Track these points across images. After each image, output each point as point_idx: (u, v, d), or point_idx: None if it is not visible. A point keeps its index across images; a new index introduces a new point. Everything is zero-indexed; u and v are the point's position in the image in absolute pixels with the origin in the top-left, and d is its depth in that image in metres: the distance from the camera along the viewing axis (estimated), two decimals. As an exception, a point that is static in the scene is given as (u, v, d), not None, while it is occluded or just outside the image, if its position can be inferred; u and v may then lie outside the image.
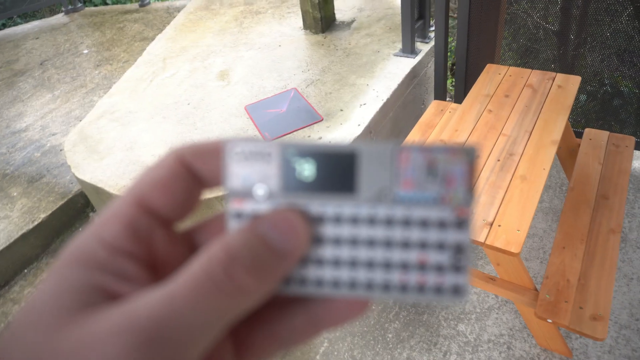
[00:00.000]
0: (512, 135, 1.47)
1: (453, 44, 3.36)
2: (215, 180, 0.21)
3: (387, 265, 0.20)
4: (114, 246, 0.19)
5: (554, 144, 1.40)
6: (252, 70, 2.53)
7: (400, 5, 2.21)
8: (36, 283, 2.16)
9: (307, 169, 0.20)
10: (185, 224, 0.23)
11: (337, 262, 0.20)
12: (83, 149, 2.14)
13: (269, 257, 0.18)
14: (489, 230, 1.15)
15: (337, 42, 2.61)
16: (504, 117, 1.56)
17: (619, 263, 1.67)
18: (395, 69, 2.28)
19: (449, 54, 2.35)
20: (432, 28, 2.54)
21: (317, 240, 0.20)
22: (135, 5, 4.46)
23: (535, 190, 1.23)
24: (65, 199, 2.25)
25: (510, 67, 1.84)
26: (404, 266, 0.20)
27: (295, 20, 2.91)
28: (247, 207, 0.20)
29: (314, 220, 0.20)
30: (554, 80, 1.71)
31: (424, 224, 0.19)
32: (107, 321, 0.16)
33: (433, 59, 2.43)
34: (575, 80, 1.69)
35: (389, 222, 0.20)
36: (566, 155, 1.86)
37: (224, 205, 0.21)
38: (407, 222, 0.20)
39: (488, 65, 1.87)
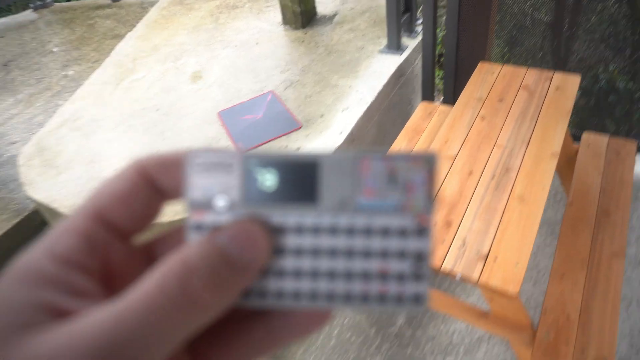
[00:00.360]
0: (507, 146, 1.32)
1: (442, 34, 3.20)
2: (177, 192, 0.21)
3: (349, 275, 0.20)
4: (66, 260, 0.18)
5: (554, 157, 1.25)
6: (228, 70, 2.35)
7: (385, -3, 2.04)
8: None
9: (268, 179, 0.20)
10: (143, 237, 0.22)
11: (298, 273, 0.20)
12: (39, 163, 1.95)
13: (227, 270, 0.18)
14: (484, 266, 1.00)
15: (319, 39, 2.43)
16: (499, 125, 1.41)
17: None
18: (380, 68, 2.11)
19: (437, 46, 2.19)
20: (420, 21, 2.37)
21: (278, 251, 0.20)
22: (107, 0, 4.22)
23: (535, 215, 1.08)
24: (21, 217, 2.07)
25: (504, 65, 1.68)
26: (366, 276, 0.20)
27: (274, 15, 2.72)
28: (208, 218, 0.20)
29: (275, 231, 0.20)
30: (551, 81, 1.56)
31: (385, 232, 0.20)
32: (51, 342, 0.15)
33: (420, 56, 2.26)
34: (574, 81, 1.54)
35: (351, 231, 0.20)
36: (563, 164, 1.72)
37: (184, 217, 0.20)
38: (368, 231, 0.20)
39: (480, 64, 1.71)
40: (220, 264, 0.18)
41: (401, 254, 0.19)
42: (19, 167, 1.97)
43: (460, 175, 1.24)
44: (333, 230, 0.20)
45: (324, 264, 0.20)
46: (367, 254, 0.20)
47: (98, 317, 0.16)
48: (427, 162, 0.19)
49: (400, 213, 0.19)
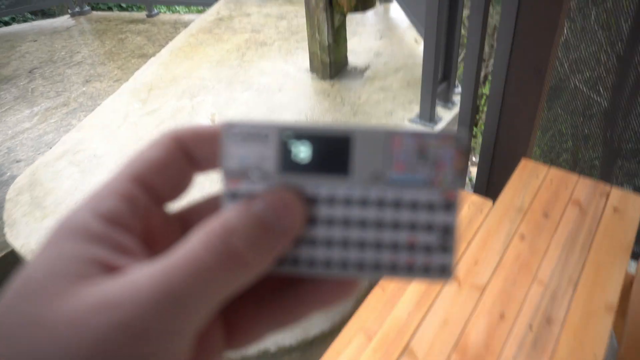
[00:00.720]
0: (550, 284, 1.09)
1: (480, 117, 2.98)
2: (209, 163, 0.22)
3: (378, 246, 0.21)
4: (110, 219, 0.19)
5: (609, 312, 1.01)
6: (244, 118, 2.18)
7: (422, 56, 1.84)
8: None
9: (302, 151, 0.20)
10: (176, 206, 0.23)
11: (329, 243, 0.21)
12: (27, 200, 1.80)
13: (264, 234, 0.19)
14: None
15: (346, 94, 2.25)
16: (541, 250, 1.18)
17: None
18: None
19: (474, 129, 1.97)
20: (458, 90, 2.16)
21: (311, 220, 0.21)
22: (143, 15, 4.17)
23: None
24: (4, 252, 1.91)
25: (551, 168, 1.45)
26: (394, 246, 0.21)
27: (303, 58, 2.56)
28: (243, 187, 0.21)
29: (308, 201, 0.21)
30: (608, 198, 1.32)
31: (414, 205, 0.20)
32: (106, 292, 0.16)
33: (455, 127, 2.04)
34: (636, 203, 1.29)
35: (381, 203, 0.20)
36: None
37: (220, 185, 0.21)
38: (397, 204, 0.20)
39: (523, 162, 1.48)
40: (258, 228, 0.19)
41: (429, 227, 0.20)
42: (6, 200, 1.82)
43: (489, 318, 1.02)
44: (364, 202, 0.21)
45: (355, 234, 0.21)
46: (396, 225, 0.21)
47: (148, 272, 0.17)
48: (457, 141, 0.20)
49: (429, 188, 0.20)
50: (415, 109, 2.08)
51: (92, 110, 2.81)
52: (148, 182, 0.20)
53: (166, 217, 0.22)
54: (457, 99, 2.14)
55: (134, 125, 2.19)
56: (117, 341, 0.15)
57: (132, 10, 4.49)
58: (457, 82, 2.13)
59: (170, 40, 3.67)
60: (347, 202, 0.20)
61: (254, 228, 0.18)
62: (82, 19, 4.33)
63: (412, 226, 0.20)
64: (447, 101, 2.10)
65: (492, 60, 1.76)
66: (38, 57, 3.64)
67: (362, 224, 0.20)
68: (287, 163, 0.20)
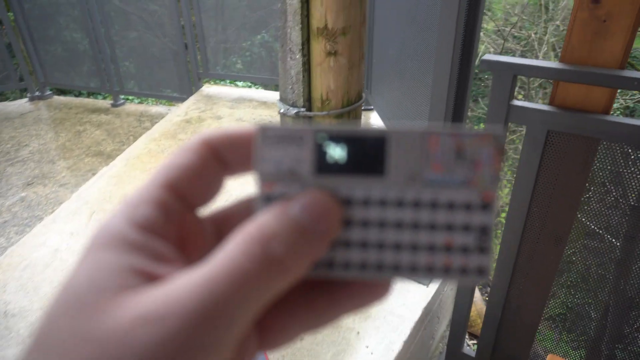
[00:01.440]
0: None
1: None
2: (241, 167, 0.22)
3: (414, 248, 0.20)
4: (146, 227, 0.19)
5: None
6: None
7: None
8: None
9: (338, 153, 0.20)
10: (208, 210, 0.23)
11: (364, 245, 0.21)
12: None
13: (301, 238, 0.19)
14: None
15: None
16: None
17: None
18: (401, 307, 1.56)
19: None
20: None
21: (346, 222, 0.21)
22: (108, 103, 3.88)
23: None
24: None
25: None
26: (431, 248, 0.20)
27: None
28: (278, 190, 0.21)
29: (343, 203, 0.21)
30: None
31: (451, 206, 0.20)
32: (149, 305, 0.16)
33: (454, 285, 1.72)
34: None
35: (417, 204, 0.20)
36: None
37: (254, 188, 0.21)
38: (434, 205, 0.20)
39: (550, 358, 1.14)
40: (296, 232, 0.19)
41: (466, 228, 0.20)
42: None
43: None
44: (400, 203, 0.20)
45: (390, 236, 0.21)
46: (432, 226, 0.20)
47: (189, 282, 0.17)
48: (495, 139, 0.20)
49: (467, 188, 0.20)
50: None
51: (26, 224, 2.39)
52: (180, 188, 0.21)
53: (199, 221, 0.22)
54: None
55: (60, 265, 1.78)
56: (163, 355, 0.16)
57: (98, 96, 4.22)
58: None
59: (132, 135, 3.35)
60: (383, 203, 0.21)
61: (292, 232, 0.19)
62: (41, 104, 4.01)
63: (449, 227, 0.20)
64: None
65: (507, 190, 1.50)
66: (-21, 150, 3.25)
67: (398, 225, 0.21)
68: (322, 165, 0.21)
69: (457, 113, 1.42)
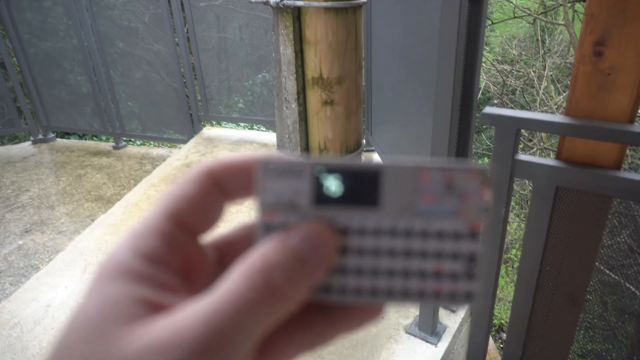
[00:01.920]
0: None
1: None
2: (241, 194, 0.23)
3: (406, 274, 0.22)
4: (151, 257, 0.20)
5: None
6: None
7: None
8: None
9: (334, 185, 0.22)
10: (209, 236, 0.24)
11: (360, 271, 0.22)
12: None
13: (300, 267, 0.20)
14: None
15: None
16: None
17: None
18: (406, 367, 1.46)
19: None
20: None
21: (342, 250, 0.22)
22: (109, 146, 3.89)
23: None
24: None
25: None
26: (422, 274, 0.22)
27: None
28: (277, 219, 0.22)
29: (340, 232, 0.22)
30: None
31: (441, 235, 0.22)
32: (156, 335, 0.17)
33: (464, 342, 1.62)
34: None
35: (409, 233, 0.22)
36: None
37: (255, 217, 0.23)
38: (425, 234, 0.22)
39: None
40: (295, 261, 0.20)
41: (455, 256, 0.22)
42: None
43: None
44: (393, 233, 0.22)
45: (384, 263, 0.22)
46: (423, 254, 0.22)
47: (195, 311, 0.18)
48: (482, 174, 0.21)
49: (455, 218, 0.21)
50: (412, 309, 1.67)
51: (21, 275, 2.32)
52: (183, 217, 0.21)
53: (201, 249, 0.23)
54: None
55: (53, 326, 1.70)
56: None
57: (101, 139, 4.23)
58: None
59: (133, 179, 3.33)
60: (377, 232, 0.22)
61: (291, 262, 0.20)
62: (44, 147, 4.02)
63: (439, 255, 0.22)
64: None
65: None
66: (-21, 196, 3.23)
67: (391, 253, 0.22)
68: (320, 197, 0.22)
69: (460, 151, 1.37)
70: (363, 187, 0.22)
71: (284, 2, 1.43)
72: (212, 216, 0.23)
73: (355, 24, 1.49)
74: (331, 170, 0.22)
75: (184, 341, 0.17)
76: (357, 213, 0.22)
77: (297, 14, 1.40)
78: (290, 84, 1.52)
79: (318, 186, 0.22)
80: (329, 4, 1.40)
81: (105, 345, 0.18)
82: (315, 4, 1.40)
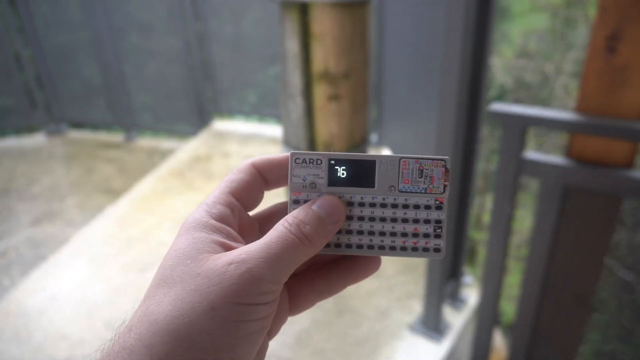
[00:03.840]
0: None
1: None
2: (276, 183, 0.32)
3: (393, 234, 0.31)
4: (220, 218, 0.30)
5: None
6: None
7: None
8: None
9: (343, 171, 0.31)
10: (253, 212, 0.34)
11: (360, 232, 0.31)
12: None
13: (321, 225, 0.29)
14: None
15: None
16: None
17: None
18: (408, 366, 1.44)
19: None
20: (467, 280, 1.75)
21: (348, 217, 0.31)
22: (120, 138, 3.92)
23: None
24: None
25: None
26: (404, 234, 0.31)
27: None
28: (303, 196, 0.31)
29: (347, 204, 0.31)
30: None
31: (417, 206, 0.31)
32: (232, 256, 0.27)
33: (470, 340, 1.59)
34: None
35: (394, 206, 0.31)
36: None
37: (287, 195, 0.32)
38: (406, 206, 0.31)
39: None
40: (318, 220, 0.29)
41: (427, 221, 0.31)
42: None
43: None
44: (383, 205, 0.31)
45: (377, 226, 0.31)
46: (405, 220, 0.31)
47: (257, 245, 0.27)
48: (444, 162, 0.30)
49: (426, 194, 0.31)
50: (416, 307, 1.65)
51: (30, 264, 2.35)
52: (239, 195, 0.31)
53: (250, 218, 0.33)
54: (466, 294, 1.72)
55: (58, 317, 1.72)
56: (246, 280, 0.26)
57: (112, 130, 4.26)
58: (467, 274, 1.73)
59: (143, 172, 3.35)
60: (373, 205, 0.31)
61: (315, 221, 0.29)
62: (56, 138, 4.07)
63: (416, 220, 0.31)
64: (455, 299, 1.68)
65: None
66: (-9, 186, 3.28)
67: (383, 219, 0.31)
68: (333, 179, 0.31)
69: (467, 150, 1.34)
70: (363, 172, 0.31)
71: (291, -5, 1.41)
72: (256, 197, 0.32)
73: (362, 18, 1.47)
74: (341, 160, 0.31)
75: (252, 257, 0.26)
76: (358, 191, 0.31)
77: (303, 8, 1.38)
78: (295, 79, 1.50)
79: (332, 171, 0.31)
80: (336, -3, 1.38)
81: (198, 263, 0.26)
82: (322, -3, 1.38)
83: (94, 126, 4.32)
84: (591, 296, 1.21)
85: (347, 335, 1.56)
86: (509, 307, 4.35)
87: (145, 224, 2.26)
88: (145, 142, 3.88)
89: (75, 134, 4.14)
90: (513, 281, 4.58)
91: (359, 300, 1.71)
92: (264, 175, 0.32)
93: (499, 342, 2.41)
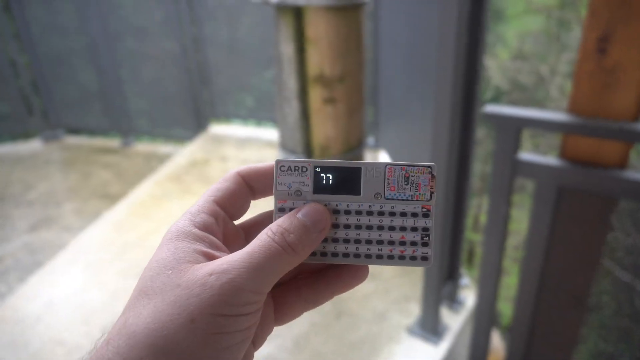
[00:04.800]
0: None
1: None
2: (263, 192, 0.32)
3: (380, 242, 0.31)
4: (204, 227, 0.29)
5: None
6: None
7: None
8: None
9: (329, 178, 0.30)
10: (238, 221, 0.33)
11: (347, 240, 0.31)
12: None
13: (306, 233, 0.29)
14: None
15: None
16: None
17: None
18: (406, 368, 1.44)
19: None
20: (464, 281, 1.76)
21: (334, 225, 0.31)
22: (117, 143, 3.91)
23: None
24: None
25: None
26: (391, 242, 0.31)
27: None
28: (288, 203, 0.31)
29: (333, 212, 0.31)
30: None
31: (403, 214, 0.30)
32: (214, 266, 0.26)
33: (468, 341, 1.59)
34: None
35: (381, 213, 0.31)
36: None
37: (273, 203, 0.32)
38: (392, 213, 0.31)
39: None
40: (303, 229, 0.29)
41: (414, 229, 0.30)
42: None
43: None
44: (370, 213, 0.31)
45: (364, 234, 0.31)
46: (391, 228, 0.31)
47: (239, 254, 0.27)
48: (430, 169, 0.30)
49: (413, 202, 0.30)
50: (414, 309, 1.65)
51: (27, 271, 2.34)
52: (224, 204, 0.31)
53: (235, 227, 0.33)
54: (464, 295, 1.72)
55: (54, 324, 1.71)
56: (227, 291, 0.25)
57: (109, 136, 4.26)
58: (464, 275, 1.73)
59: (140, 177, 3.34)
60: (359, 213, 0.31)
61: (299, 229, 0.29)
62: (53, 144, 4.06)
63: (403, 228, 0.30)
64: (453, 300, 1.68)
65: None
66: (-13, 193, 3.26)
67: (369, 227, 0.31)
68: (318, 187, 0.31)
69: (463, 152, 1.34)
70: (349, 180, 0.30)
71: (285, 1, 1.42)
72: (242, 206, 0.32)
73: (357, 22, 1.47)
74: (326, 167, 0.30)
75: (234, 267, 0.26)
76: (344, 199, 0.30)
77: (298, 12, 1.39)
78: (291, 82, 1.51)
79: (317, 179, 0.30)
80: (330, 2, 1.39)
81: (179, 274, 0.26)
82: (316, 2, 1.39)
83: (91, 131, 4.32)
84: (587, 296, 1.21)
85: (344, 338, 1.56)
86: (506, 309, 4.36)
87: (142, 229, 2.26)
88: (142, 147, 3.88)
89: (72, 140, 4.14)
90: (511, 282, 4.59)
91: (357, 303, 1.71)
92: (250, 184, 0.31)
93: (497, 343, 2.41)
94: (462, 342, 1.62)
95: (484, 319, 1.41)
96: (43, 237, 2.74)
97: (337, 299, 1.74)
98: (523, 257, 1.22)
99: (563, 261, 1.16)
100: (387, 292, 1.75)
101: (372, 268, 1.60)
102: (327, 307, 1.71)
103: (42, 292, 1.89)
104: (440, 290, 1.52)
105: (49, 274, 2.01)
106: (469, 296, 1.72)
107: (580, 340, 1.34)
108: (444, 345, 1.51)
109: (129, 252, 2.09)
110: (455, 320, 1.61)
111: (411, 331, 1.56)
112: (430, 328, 1.54)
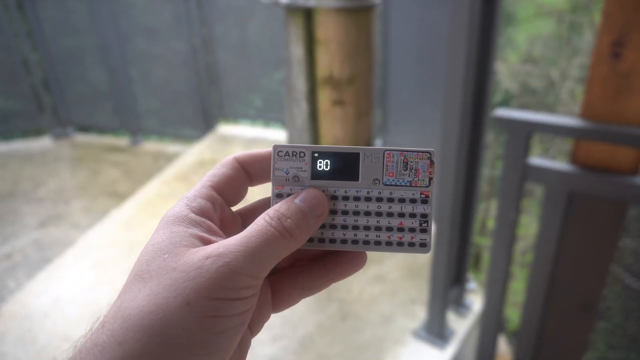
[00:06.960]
0: None
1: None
2: (259, 178, 0.32)
3: (378, 228, 0.30)
4: (201, 212, 0.29)
5: None
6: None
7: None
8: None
9: (327, 164, 0.30)
10: (236, 207, 0.33)
11: (345, 226, 0.30)
12: None
13: (304, 219, 0.29)
14: None
15: (334, 286, 1.82)
16: None
17: None
18: (412, 372, 1.43)
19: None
20: (471, 286, 1.74)
21: (332, 211, 0.30)
22: (126, 142, 3.94)
23: None
24: None
25: None
26: (389, 229, 0.30)
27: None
28: (286, 189, 0.30)
29: (330, 198, 0.30)
30: None
31: (402, 200, 0.30)
32: (210, 250, 0.26)
33: (475, 346, 1.58)
34: None
35: (379, 199, 0.30)
36: None
37: (271, 188, 0.31)
38: (391, 199, 0.30)
39: None
40: (299, 214, 0.28)
41: (412, 215, 0.30)
42: None
43: None
44: (368, 199, 0.30)
45: (362, 220, 0.30)
46: (390, 214, 0.30)
47: (236, 238, 0.27)
48: (429, 154, 0.30)
49: (411, 188, 0.30)
50: (420, 313, 1.64)
51: (36, 267, 2.37)
52: (221, 189, 0.31)
53: (232, 212, 0.32)
54: (470, 300, 1.71)
55: (61, 320, 1.72)
56: (224, 273, 0.25)
57: (118, 134, 4.29)
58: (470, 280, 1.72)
59: (148, 176, 3.36)
60: (357, 198, 0.30)
61: (297, 214, 0.28)
62: (63, 142, 4.10)
63: (401, 214, 0.30)
64: (459, 305, 1.67)
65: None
66: (-1, 188, 3.30)
67: (367, 213, 0.30)
68: (316, 172, 0.30)
69: (472, 155, 1.33)
70: (347, 165, 0.30)
71: (296, 2, 1.42)
72: (239, 192, 0.31)
73: (367, 24, 1.47)
74: (324, 152, 0.30)
75: (230, 251, 0.26)
76: (342, 184, 0.30)
77: (307, 13, 1.39)
78: (300, 84, 1.51)
79: (315, 164, 0.30)
80: (340, 4, 1.39)
81: (175, 258, 0.26)
82: (327, 4, 1.39)
83: (100, 130, 4.36)
84: (596, 303, 1.20)
85: (350, 341, 1.56)
86: (514, 314, 4.32)
87: (150, 228, 2.27)
88: (151, 146, 3.90)
89: (82, 138, 4.18)
90: (518, 287, 4.55)
91: (363, 305, 1.71)
92: (247, 170, 0.31)
93: (504, 348, 2.39)
94: (469, 346, 1.61)
95: (491, 323, 1.39)
96: (52, 233, 2.76)
97: (343, 300, 1.73)
98: (532, 262, 1.21)
99: (572, 267, 1.15)
100: (394, 295, 1.74)
101: (379, 271, 1.60)
102: (333, 309, 1.70)
103: (50, 288, 1.91)
104: (447, 294, 1.51)
105: (57, 271, 2.02)
106: (475, 301, 1.71)
107: (589, 346, 1.32)
108: (450, 350, 1.50)
109: (136, 250, 2.10)
110: (461, 325, 1.60)
111: (417, 335, 1.56)
112: (436, 332, 1.53)
